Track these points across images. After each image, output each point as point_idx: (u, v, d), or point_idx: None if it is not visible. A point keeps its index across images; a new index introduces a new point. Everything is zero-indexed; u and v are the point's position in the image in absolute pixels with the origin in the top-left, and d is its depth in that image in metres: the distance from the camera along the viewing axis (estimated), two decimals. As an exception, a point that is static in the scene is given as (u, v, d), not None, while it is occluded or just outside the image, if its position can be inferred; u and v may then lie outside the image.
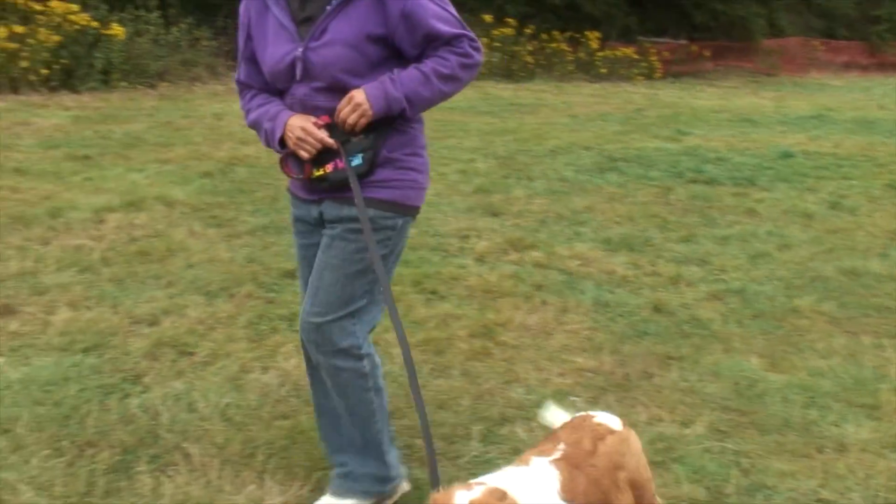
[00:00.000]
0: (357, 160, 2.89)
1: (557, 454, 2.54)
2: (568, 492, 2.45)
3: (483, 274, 5.82)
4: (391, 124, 2.95)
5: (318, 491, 3.29)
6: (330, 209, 3.01)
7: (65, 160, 8.90)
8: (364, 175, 2.92)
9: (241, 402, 3.95)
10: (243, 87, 3.16)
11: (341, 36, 2.87)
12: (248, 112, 3.12)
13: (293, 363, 4.34)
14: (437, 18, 2.91)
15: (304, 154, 2.92)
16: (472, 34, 2.98)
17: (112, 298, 5.12)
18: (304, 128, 2.91)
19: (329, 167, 2.92)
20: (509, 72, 20.56)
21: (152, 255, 5.89)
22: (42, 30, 14.04)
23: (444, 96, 3.00)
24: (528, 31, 21.12)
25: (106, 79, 14.49)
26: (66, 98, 13.52)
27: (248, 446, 3.59)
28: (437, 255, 6.22)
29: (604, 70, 22.24)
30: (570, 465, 2.53)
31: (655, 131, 12.83)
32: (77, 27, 14.35)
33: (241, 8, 3.08)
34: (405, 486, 3.28)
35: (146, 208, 7.03)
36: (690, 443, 3.70)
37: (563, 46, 21.97)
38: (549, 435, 2.72)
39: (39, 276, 5.44)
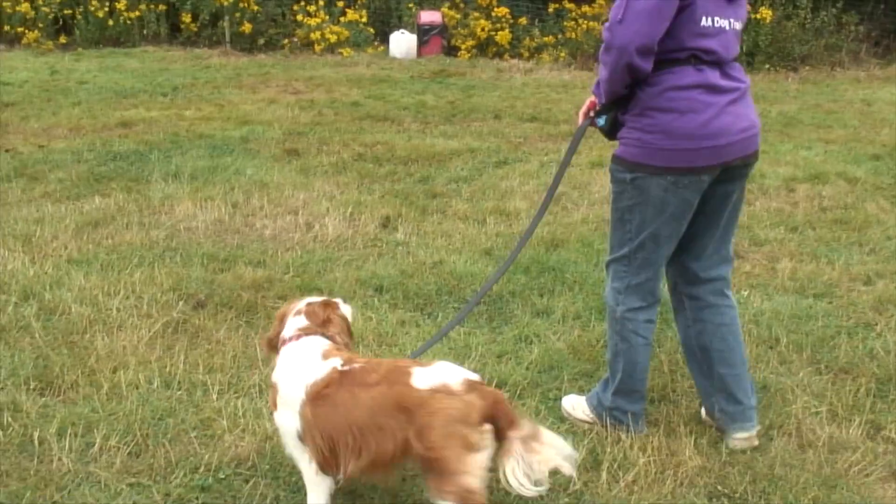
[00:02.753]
0: (601, 121, 3.46)
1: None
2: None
3: None
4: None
5: None
6: None
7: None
8: (608, 133, 3.46)
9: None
10: None
11: None
12: None
13: None
14: None
15: None
16: (610, 19, 3.17)
17: (825, 256, 5.73)
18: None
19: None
20: None
21: (850, 224, 6.39)
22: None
23: (607, 82, 3.30)
24: None
25: (751, 60, 15.21)
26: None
27: None
28: None
29: None
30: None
31: None
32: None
33: None
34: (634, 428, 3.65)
35: (829, 182, 7.54)
36: None
37: None
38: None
39: (754, 230, 6.25)
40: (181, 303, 4.74)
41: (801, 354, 4.35)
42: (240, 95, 11.26)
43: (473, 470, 2.69)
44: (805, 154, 8.79)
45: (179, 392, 3.87)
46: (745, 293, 5.12)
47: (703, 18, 3.19)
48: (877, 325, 4.75)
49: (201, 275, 5.08)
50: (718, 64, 3.27)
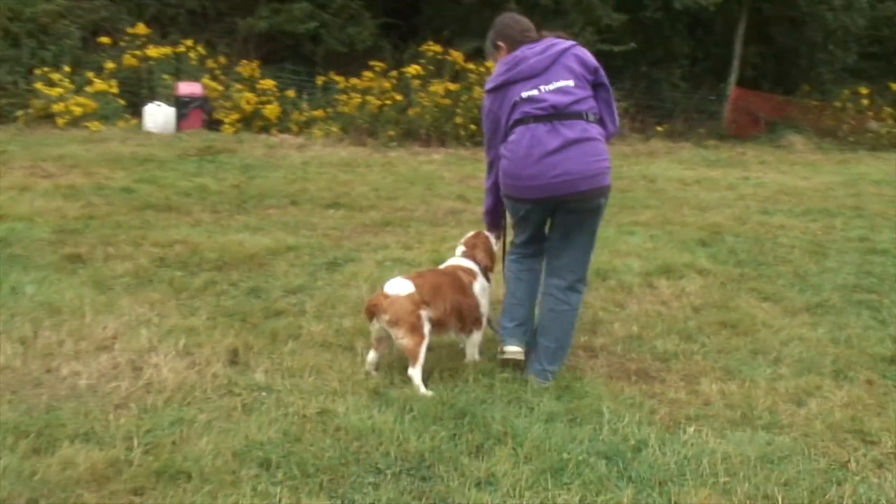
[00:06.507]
0: None
1: None
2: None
3: None
4: None
5: None
6: None
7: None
8: None
9: None
10: None
11: None
12: None
13: None
14: None
15: None
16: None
17: (739, 372, 5.14)
18: None
19: None
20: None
21: (737, 328, 5.90)
22: (477, 88, 14.90)
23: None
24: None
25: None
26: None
27: None
28: None
29: None
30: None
31: None
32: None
33: None
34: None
35: (684, 276, 7.12)
36: None
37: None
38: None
39: (649, 340, 5.60)
40: (-6, 516, 3.31)
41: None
42: (-21, 181, 9.43)
43: None
44: (634, 241, 8.43)
45: None
46: (691, 429, 4.38)
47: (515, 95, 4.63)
48: (848, 462, 4.15)
49: (14, 465, 3.62)
50: (548, 118, 4.52)
